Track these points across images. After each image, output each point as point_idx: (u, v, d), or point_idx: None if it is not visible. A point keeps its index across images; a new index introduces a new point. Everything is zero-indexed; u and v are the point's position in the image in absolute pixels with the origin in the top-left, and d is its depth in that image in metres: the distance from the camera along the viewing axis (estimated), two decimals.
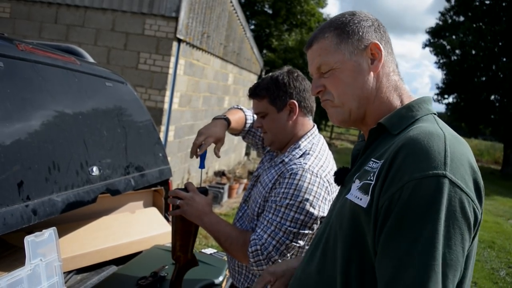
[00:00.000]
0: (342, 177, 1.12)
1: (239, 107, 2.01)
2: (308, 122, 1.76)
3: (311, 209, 1.53)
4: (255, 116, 1.84)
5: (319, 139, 1.75)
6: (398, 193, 0.85)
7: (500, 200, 11.90)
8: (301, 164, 1.60)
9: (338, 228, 0.99)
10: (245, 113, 2.00)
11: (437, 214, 0.82)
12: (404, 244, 0.83)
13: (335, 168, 1.68)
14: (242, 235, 1.62)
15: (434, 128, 0.94)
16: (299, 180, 1.56)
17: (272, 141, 1.75)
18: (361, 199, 0.94)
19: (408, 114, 1.03)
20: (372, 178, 0.93)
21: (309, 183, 1.55)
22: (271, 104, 1.69)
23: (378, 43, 1.08)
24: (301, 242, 1.56)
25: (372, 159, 0.99)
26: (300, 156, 1.65)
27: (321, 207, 1.56)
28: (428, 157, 0.86)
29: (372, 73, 1.07)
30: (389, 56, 1.11)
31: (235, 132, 1.99)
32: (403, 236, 0.83)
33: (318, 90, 1.12)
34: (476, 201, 0.87)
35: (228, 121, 1.84)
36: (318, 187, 1.56)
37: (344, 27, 1.10)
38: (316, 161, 1.63)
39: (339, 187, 1.16)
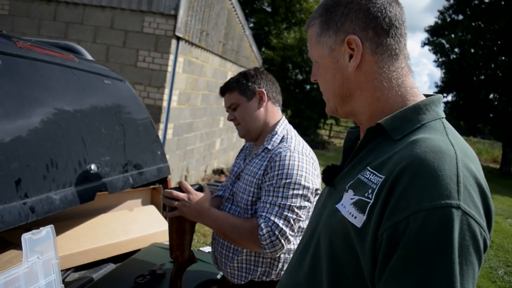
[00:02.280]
0: (332, 177, 1.00)
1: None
2: (278, 112, 1.89)
3: (306, 184, 1.65)
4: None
5: (290, 127, 1.87)
6: (404, 223, 0.75)
7: (499, 199, 11.92)
8: (286, 147, 1.71)
9: (328, 242, 0.90)
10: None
11: (451, 252, 0.73)
12: (415, 286, 0.74)
13: (310, 149, 1.81)
14: (247, 222, 1.66)
15: (444, 143, 0.82)
16: (289, 160, 1.66)
17: (246, 131, 1.84)
18: (355, 217, 0.83)
19: (413, 117, 0.90)
20: (370, 196, 0.82)
21: (298, 161, 1.67)
22: (241, 95, 1.82)
23: (355, 37, 0.91)
24: (303, 216, 1.66)
25: (369, 168, 0.87)
26: (281, 141, 1.76)
27: (313, 181, 1.68)
28: (439, 183, 0.75)
29: (350, 71, 0.94)
30: (384, 48, 0.92)
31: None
32: (413, 276, 0.74)
33: (313, 78, 1.05)
34: (486, 230, 0.78)
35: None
36: (306, 164, 1.69)
37: (327, 14, 0.96)
38: (297, 143, 1.76)
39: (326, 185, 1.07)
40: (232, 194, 1.84)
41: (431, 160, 0.78)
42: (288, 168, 1.64)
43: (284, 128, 1.82)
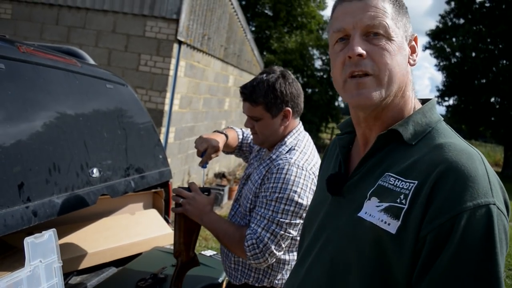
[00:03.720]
0: (339, 185, 0.99)
1: (230, 127, 2.13)
2: (296, 121, 1.83)
3: (300, 200, 1.61)
4: (244, 130, 2.00)
5: (304, 136, 1.82)
6: (449, 224, 0.78)
7: None
8: (287, 159, 1.67)
9: (355, 251, 0.89)
10: (237, 131, 2.14)
11: (494, 246, 0.77)
12: (466, 281, 0.76)
13: (316, 163, 1.74)
14: (238, 230, 1.68)
15: (466, 146, 0.87)
16: (286, 174, 1.63)
17: (262, 142, 1.82)
18: (389, 224, 0.83)
19: (423, 121, 0.94)
20: (403, 201, 0.83)
21: (295, 176, 1.63)
22: (267, 111, 1.74)
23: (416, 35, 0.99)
24: (294, 232, 1.64)
25: (391, 174, 0.89)
26: (287, 152, 1.72)
27: (309, 198, 1.63)
28: (477, 183, 0.79)
29: (408, 65, 0.96)
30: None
31: (229, 150, 2.10)
32: (464, 273, 0.77)
33: (360, 53, 0.89)
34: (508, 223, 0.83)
35: (227, 137, 1.98)
36: (304, 179, 1.64)
37: (401, 1, 0.97)
38: (301, 156, 1.70)
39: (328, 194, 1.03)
40: (240, 196, 1.87)
41: (466, 162, 0.82)
42: (283, 183, 1.62)
43: (296, 138, 1.77)
